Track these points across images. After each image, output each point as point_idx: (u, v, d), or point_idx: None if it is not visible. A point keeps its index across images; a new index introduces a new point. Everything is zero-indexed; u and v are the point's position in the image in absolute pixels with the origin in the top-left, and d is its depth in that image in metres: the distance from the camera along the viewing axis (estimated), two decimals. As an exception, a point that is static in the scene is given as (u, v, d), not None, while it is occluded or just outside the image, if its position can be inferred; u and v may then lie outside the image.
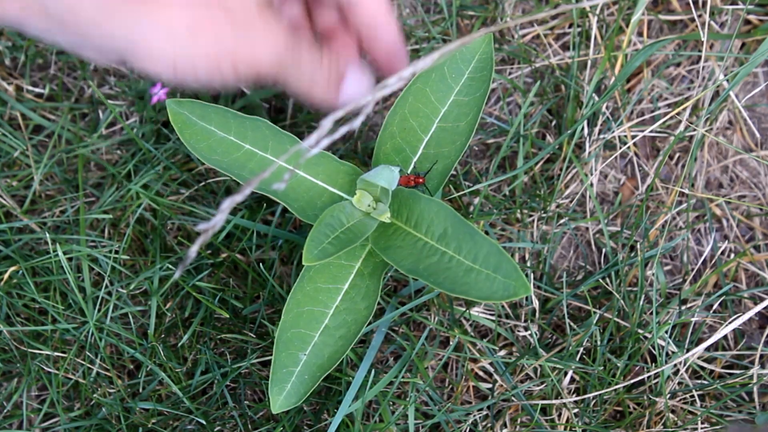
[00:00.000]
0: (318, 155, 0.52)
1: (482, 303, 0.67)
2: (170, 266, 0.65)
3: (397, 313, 0.61)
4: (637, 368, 0.66)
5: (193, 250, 0.25)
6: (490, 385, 0.65)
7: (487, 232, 0.68)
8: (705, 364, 0.66)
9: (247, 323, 0.65)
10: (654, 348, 0.64)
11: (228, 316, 0.63)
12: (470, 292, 0.44)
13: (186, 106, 0.51)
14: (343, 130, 0.24)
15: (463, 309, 0.66)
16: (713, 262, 0.70)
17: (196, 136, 0.51)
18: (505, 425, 0.64)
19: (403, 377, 0.62)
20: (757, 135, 0.73)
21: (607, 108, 0.70)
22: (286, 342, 0.52)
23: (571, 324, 0.65)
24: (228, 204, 0.24)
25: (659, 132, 0.72)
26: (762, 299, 0.66)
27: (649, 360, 0.67)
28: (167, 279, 0.65)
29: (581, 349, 0.64)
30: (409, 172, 0.53)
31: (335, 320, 0.51)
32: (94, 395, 0.63)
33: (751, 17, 0.73)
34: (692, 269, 0.69)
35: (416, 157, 0.53)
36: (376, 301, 0.51)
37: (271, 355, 0.63)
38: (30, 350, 0.64)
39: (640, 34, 0.74)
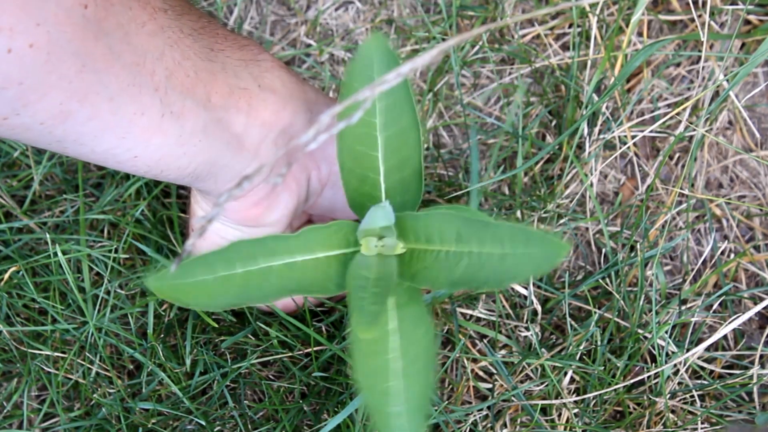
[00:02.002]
0: (300, 237, 0.50)
1: (481, 304, 0.67)
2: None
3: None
4: (637, 368, 0.65)
5: (189, 243, 0.25)
6: (490, 386, 0.65)
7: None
8: (705, 364, 0.66)
9: (246, 324, 0.65)
10: (654, 348, 0.63)
11: (216, 325, 0.63)
12: (518, 276, 0.42)
13: (166, 275, 0.46)
14: (341, 125, 0.24)
15: (463, 309, 0.66)
16: (713, 262, 0.70)
17: (192, 293, 0.46)
18: (505, 425, 0.64)
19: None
20: (757, 135, 0.73)
21: (607, 108, 0.70)
22: (375, 403, 0.49)
23: (572, 323, 0.64)
24: (224, 198, 0.24)
25: (659, 132, 0.72)
26: (762, 299, 0.65)
27: (649, 360, 0.67)
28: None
29: (581, 349, 0.64)
30: (383, 190, 0.52)
31: (405, 361, 0.49)
32: (94, 395, 0.63)
33: (751, 17, 0.73)
34: (692, 269, 0.69)
35: (382, 175, 0.51)
36: (430, 322, 0.49)
37: (272, 355, 0.63)
38: (30, 350, 0.64)
39: (640, 34, 0.74)
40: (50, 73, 0.34)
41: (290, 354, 0.63)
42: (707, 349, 0.67)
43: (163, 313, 0.65)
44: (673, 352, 0.64)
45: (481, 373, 0.66)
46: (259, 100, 0.47)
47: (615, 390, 0.63)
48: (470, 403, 0.66)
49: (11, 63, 0.33)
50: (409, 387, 0.49)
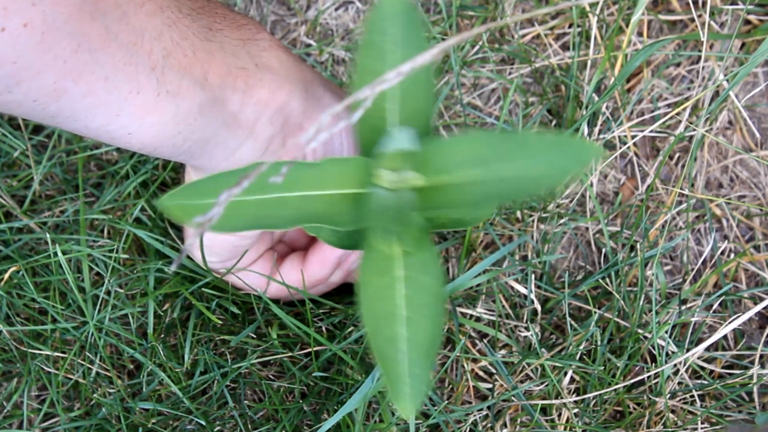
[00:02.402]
0: (319, 168, 0.49)
1: (481, 303, 0.67)
2: (166, 266, 0.65)
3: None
4: (637, 368, 0.65)
5: (189, 243, 0.25)
6: (490, 386, 0.65)
7: (486, 231, 0.68)
8: (705, 364, 0.66)
9: (246, 324, 0.65)
10: (654, 348, 0.63)
11: (220, 323, 0.63)
12: (553, 177, 0.41)
13: (179, 195, 0.47)
14: (341, 125, 0.24)
15: (463, 309, 0.66)
16: (713, 262, 0.70)
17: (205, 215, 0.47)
18: (505, 425, 0.64)
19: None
20: (757, 135, 0.73)
21: (607, 108, 0.70)
22: (381, 350, 0.49)
23: (572, 323, 0.64)
24: (225, 196, 0.24)
25: (659, 132, 0.72)
26: (762, 299, 0.65)
27: (649, 360, 0.67)
28: (167, 279, 0.65)
29: (581, 349, 0.64)
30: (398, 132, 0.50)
31: (411, 309, 0.49)
32: (94, 395, 0.63)
33: (751, 17, 0.73)
34: (692, 269, 0.69)
35: (397, 115, 0.50)
36: (438, 269, 0.48)
37: (272, 355, 0.63)
38: (30, 350, 0.64)
39: (640, 34, 0.74)
40: (45, 52, 0.34)
41: (290, 354, 0.63)
42: (707, 349, 0.67)
43: (162, 313, 0.65)
44: (673, 352, 0.64)
45: (481, 373, 0.66)
46: (256, 79, 0.47)
47: (615, 390, 0.63)
48: (470, 403, 0.66)
49: (5, 42, 0.33)
50: (414, 335, 0.49)
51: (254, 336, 0.65)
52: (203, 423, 0.62)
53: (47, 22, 0.34)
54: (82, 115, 0.39)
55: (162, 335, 0.65)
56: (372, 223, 0.46)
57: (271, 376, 0.67)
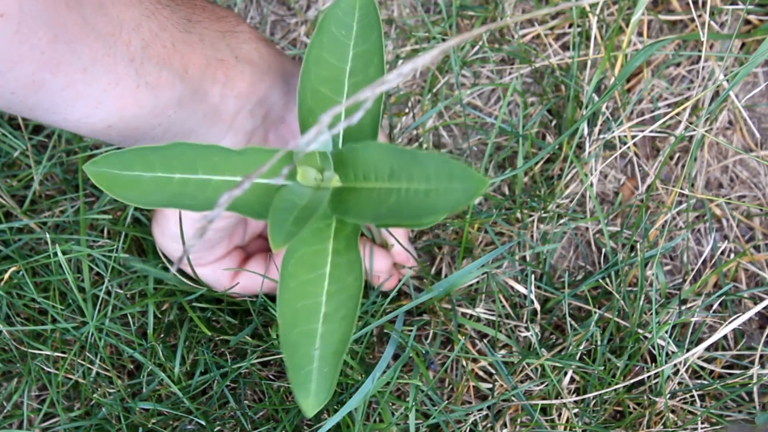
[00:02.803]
0: (243, 155, 0.50)
1: (481, 303, 0.67)
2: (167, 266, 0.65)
3: (400, 311, 0.61)
4: (637, 368, 0.65)
5: (190, 245, 0.25)
6: (490, 385, 0.65)
7: (486, 231, 0.68)
8: (705, 364, 0.66)
9: (245, 324, 0.65)
10: (654, 348, 0.63)
11: (209, 333, 0.63)
12: (436, 210, 0.42)
13: (104, 162, 0.47)
14: (341, 125, 0.24)
15: (463, 309, 0.66)
16: (713, 262, 0.70)
17: (126, 186, 0.47)
18: (505, 425, 0.64)
19: (403, 378, 0.62)
20: (757, 135, 0.73)
21: (607, 108, 0.70)
22: (293, 344, 0.50)
23: (572, 323, 0.64)
24: (225, 198, 0.24)
25: (659, 132, 0.72)
26: (762, 299, 0.65)
27: (649, 360, 0.67)
28: (167, 280, 0.65)
29: (581, 349, 0.64)
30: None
31: (331, 305, 0.49)
32: (94, 395, 0.63)
33: (751, 17, 0.73)
34: (692, 269, 0.69)
35: (341, 122, 0.51)
36: (362, 269, 0.49)
37: (272, 355, 0.63)
38: (30, 350, 0.64)
39: (640, 34, 0.74)
40: (21, 43, 0.34)
41: (290, 354, 0.63)
42: (707, 349, 0.67)
43: (161, 315, 0.65)
44: (673, 352, 0.64)
45: (481, 373, 0.66)
46: (236, 72, 0.47)
47: (615, 390, 0.63)
48: (470, 403, 0.66)
49: None
50: (329, 332, 0.49)
51: (254, 336, 0.65)
52: (203, 423, 0.63)
53: (23, 11, 0.34)
54: (61, 107, 0.39)
55: (162, 335, 0.65)
56: (280, 212, 0.46)
57: (271, 376, 0.67)
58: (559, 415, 0.64)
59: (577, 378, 0.65)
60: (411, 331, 0.65)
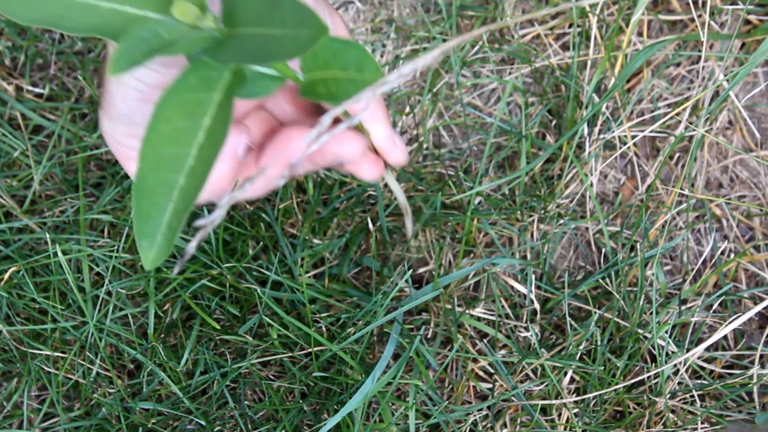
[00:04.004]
0: None
1: (482, 303, 0.67)
2: (166, 268, 0.65)
3: (400, 312, 0.61)
4: (637, 368, 0.65)
5: (192, 246, 0.25)
6: (490, 385, 0.65)
7: (487, 231, 0.68)
8: (705, 364, 0.66)
9: (246, 323, 0.65)
10: (654, 348, 0.63)
11: (218, 327, 0.63)
12: (283, 55, 0.41)
13: None
14: (343, 127, 0.24)
15: (463, 309, 0.66)
16: (713, 262, 0.70)
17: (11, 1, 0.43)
18: (505, 425, 0.64)
19: (403, 377, 0.62)
20: (757, 135, 0.73)
21: (607, 108, 0.70)
22: (149, 191, 0.47)
23: (572, 323, 0.64)
24: (227, 200, 0.24)
25: (659, 132, 0.72)
26: (762, 299, 0.65)
27: (649, 360, 0.67)
28: (167, 279, 0.65)
29: (581, 349, 0.64)
30: None
31: (199, 160, 0.46)
32: (94, 395, 0.63)
33: (751, 17, 0.73)
34: (692, 269, 0.69)
35: None
36: (229, 119, 0.47)
37: (272, 355, 0.63)
38: (30, 350, 0.64)
39: (640, 34, 0.74)
40: None
41: (290, 354, 0.63)
42: (707, 349, 0.67)
43: (162, 315, 0.65)
44: (673, 352, 0.64)
45: (481, 373, 0.66)
46: None
47: (615, 390, 0.63)
48: (470, 402, 0.66)
49: None
50: (189, 187, 0.46)
51: (254, 336, 0.65)
52: (203, 423, 0.63)
53: None
54: None
55: (162, 335, 0.65)
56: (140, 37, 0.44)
57: (271, 376, 0.67)
58: (559, 415, 0.64)
59: (577, 378, 0.65)
60: (412, 330, 0.66)
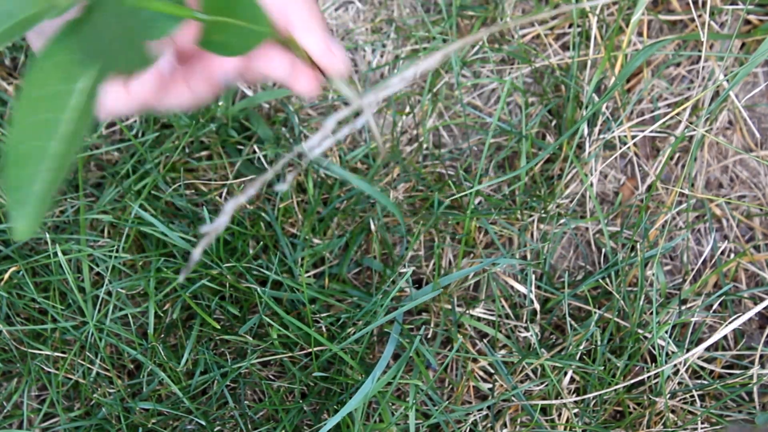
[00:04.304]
0: None
1: (482, 303, 0.67)
2: (167, 267, 0.65)
3: (399, 312, 0.61)
4: (637, 368, 0.66)
5: (197, 252, 0.25)
6: (490, 385, 0.65)
7: (487, 231, 0.68)
8: (705, 364, 0.66)
9: (246, 323, 0.65)
10: (654, 348, 0.64)
11: (218, 327, 0.63)
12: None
13: None
14: (345, 131, 0.24)
15: (463, 309, 0.66)
16: (713, 262, 0.70)
17: None
18: (505, 425, 0.64)
19: (403, 378, 0.62)
20: (757, 135, 0.73)
21: (607, 108, 0.70)
22: (22, 158, 0.45)
23: (572, 323, 0.65)
24: (231, 206, 0.24)
25: (659, 132, 0.72)
26: (762, 299, 0.66)
27: (649, 360, 0.67)
28: (167, 279, 0.65)
29: (581, 349, 0.64)
30: None
31: (73, 126, 0.45)
32: (94, 395, 0.63)
33: (751, 17, 0.73)
34: (692, 269, 0.69)
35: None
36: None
37: (272, 355, 0.63)
38: (30, 350, 0.64)
39: (640, 34, 0.74)
40: None
41: (290, 354, 0.63)
42: (707, 349, 0.67)
43: (162, 315, 0.65)
44: (673, 352, 0.64)
45: (481, 373, 0.66)
46: None
47: (615, 390, 0.63)
48: (470, 403, 0.66)
49: None
50: (64, 155, 0.44)
51: (252, 338, 0.65)
52: (203, 423, 0.62)
53: None
54: None
55: (162, 335, 0.65)
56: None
57: (271, 376, 0.67)
58: (559, 415, 0.64)
59: (577, 378, 0.65)
60: (412, 330, 0.66)
